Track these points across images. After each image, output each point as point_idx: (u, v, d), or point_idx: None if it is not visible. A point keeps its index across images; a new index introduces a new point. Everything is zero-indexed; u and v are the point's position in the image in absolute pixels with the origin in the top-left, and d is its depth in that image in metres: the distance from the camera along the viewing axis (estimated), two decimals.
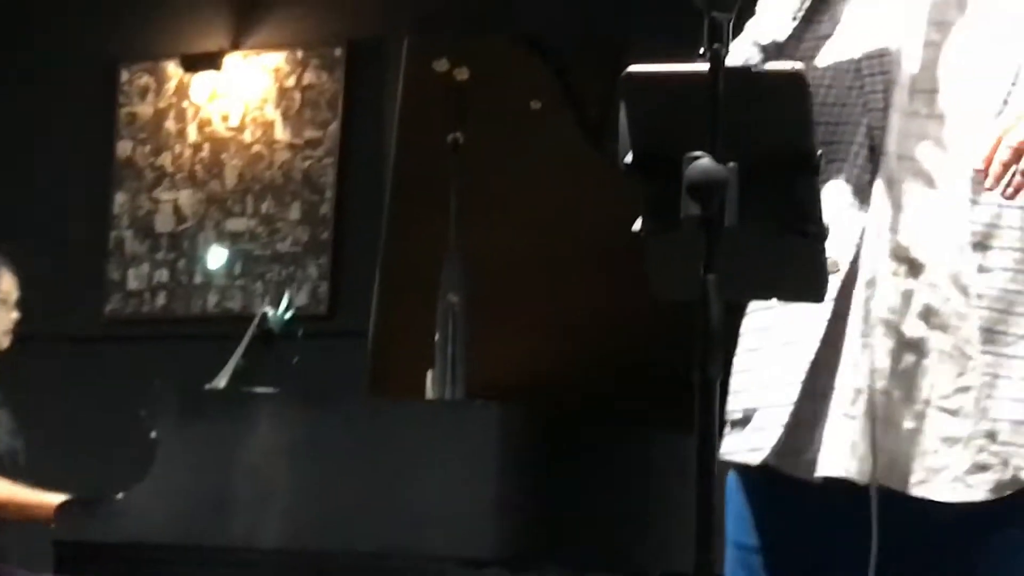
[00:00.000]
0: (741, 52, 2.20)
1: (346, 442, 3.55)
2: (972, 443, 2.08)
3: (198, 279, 6.19)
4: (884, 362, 2.08)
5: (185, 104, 6.31)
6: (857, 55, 2.18)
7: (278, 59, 6.21)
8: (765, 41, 2.21)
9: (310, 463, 3.58)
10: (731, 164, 1.76)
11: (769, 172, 1.82)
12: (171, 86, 6.34)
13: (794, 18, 2.20)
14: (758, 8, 2.33)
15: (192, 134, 6.27)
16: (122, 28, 6.48)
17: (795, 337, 2.15)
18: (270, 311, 4.13)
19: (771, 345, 2.21)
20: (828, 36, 2.21)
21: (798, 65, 2.01)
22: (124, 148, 6.38)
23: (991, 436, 2.08)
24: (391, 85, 5.41)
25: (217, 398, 3.82)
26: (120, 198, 6.35)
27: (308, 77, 6.15)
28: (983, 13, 2.18)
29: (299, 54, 6.18)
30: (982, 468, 2.07)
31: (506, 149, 3.83)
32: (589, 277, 3.81)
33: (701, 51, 1.81)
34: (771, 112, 1.84)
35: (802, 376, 2.12)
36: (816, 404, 2.13)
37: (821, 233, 1.88)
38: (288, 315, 4.12)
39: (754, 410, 2.19)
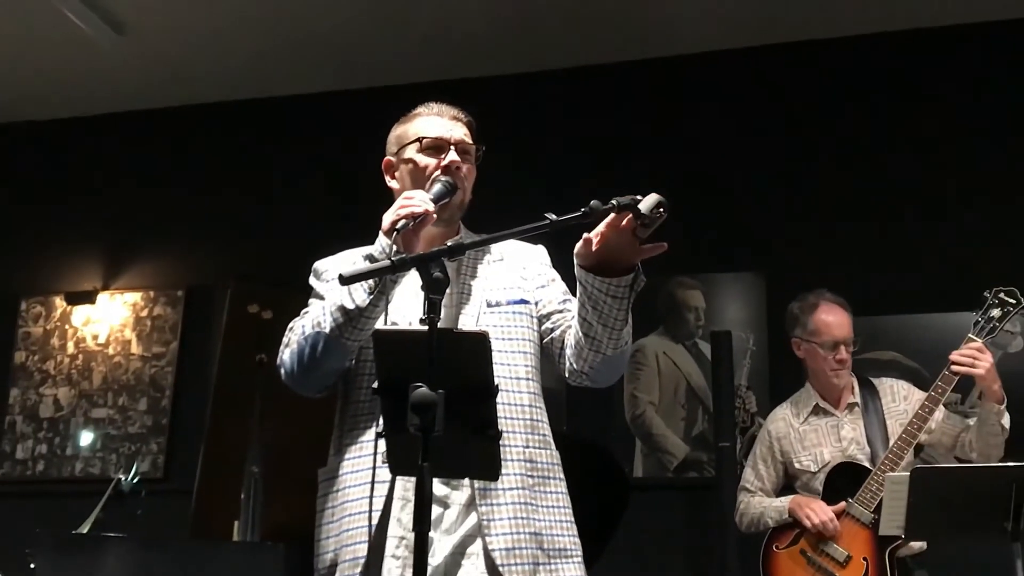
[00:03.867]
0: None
1: (175, 573, 3.46)
2: (478, 560, 2.21)
3: (69, 451, 5.98)
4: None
5: (67, 327, 6.17)
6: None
7: (136, 297, 6.14)
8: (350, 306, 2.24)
9: None
10: (440, 391, 1.84)
11: (464, 396, 1.89)
12: (57, 314, 6.20)
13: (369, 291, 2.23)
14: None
15: (70, 347, 6.13)
16: (22, 271, 6.33)
17: (361, 509, 2.24)
18: (122, 477, 4.04)
19: (343, 513, 2.29)
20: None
21: (484, 329, 2.16)
22: (20, 356, 6.18)
23: (489, 559, 2.19)
24: (217, 317, 5.44)
25: (81, 540, 3.70)
26: (14, 392, 6.13)
27: (157, 310, 6.09)
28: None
29: (151, 293, 6.12)
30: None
31: None
32: None
33: (422, 317, 1.91)
34: (465, 358, 1.90)
35: (367, 537, 2.21)
36: (376, 554, 2.22)
37: (496, 435, 1.95)
38: (135, 479, 4.05)
39: (335, 565, 2.27)
